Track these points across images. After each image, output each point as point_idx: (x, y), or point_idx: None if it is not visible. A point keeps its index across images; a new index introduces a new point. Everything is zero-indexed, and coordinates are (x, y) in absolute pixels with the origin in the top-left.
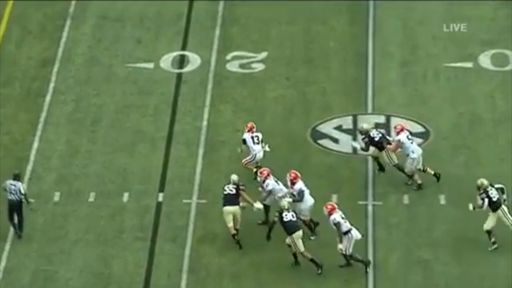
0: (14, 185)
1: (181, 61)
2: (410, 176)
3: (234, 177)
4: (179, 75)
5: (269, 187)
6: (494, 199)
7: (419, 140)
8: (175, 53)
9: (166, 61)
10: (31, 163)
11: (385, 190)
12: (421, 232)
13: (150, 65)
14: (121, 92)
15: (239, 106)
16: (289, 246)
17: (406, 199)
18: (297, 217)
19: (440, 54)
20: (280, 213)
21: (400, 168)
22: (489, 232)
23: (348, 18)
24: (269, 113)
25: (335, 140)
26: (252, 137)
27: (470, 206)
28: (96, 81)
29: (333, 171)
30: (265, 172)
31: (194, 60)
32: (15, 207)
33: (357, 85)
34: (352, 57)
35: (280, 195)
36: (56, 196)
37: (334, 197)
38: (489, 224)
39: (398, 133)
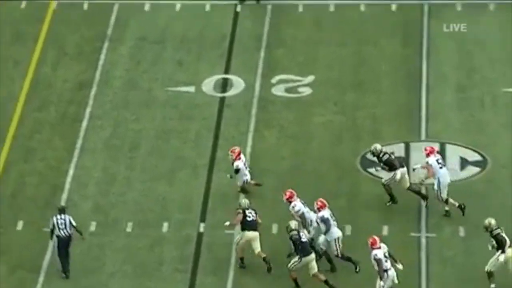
0: (63, 219)
1: (224, 85)
2: (445, 202)
3: (246, 201)
4: (222, 99)
5: (297, 208)
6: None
7: (476, 169)
8: (217, 76)
9: (208, 85)
10: (67, 191)
11: (439, 221)
12: (477, 266)
13: (192, 89)
14: (161, 117)
15: (285, 132)
16: (292, 270)
17: (461, 231)
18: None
19: (498, 78)
20: (298, 232)
21: (415, 191)
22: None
23: (400, 38)
24: (316, 140)
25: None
26: (244, 163)
27: (489, 247)
28: (135, 106)
29: (384, 201)
30: (288, 193)
31: (238, 83)
32: (65, 243)
33: (409, 110)
34: (404, 80)
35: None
36: (92, 226)
37: (385, 229)
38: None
39: (427, 155)
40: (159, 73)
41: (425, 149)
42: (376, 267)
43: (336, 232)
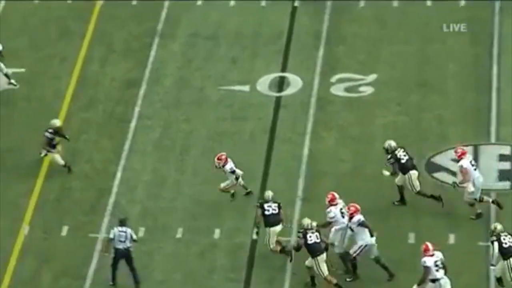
0: (124, 232)
1: (281, 84)
2: (471, 205)
3: (270, 193)
4: (278, 99)
5: (331, 214)
6: (506, 245)
7: None
8: (273, 75)
9: (264, 84)
10: (114, 194)
11: (510, 228)
12: None
13: (246, 88)
14: (213, 117)
15: (344, 134)
16: (309, 268)
17: None
18: (321, 239)
19: None
20: (304, 234)
21: (426, 195)
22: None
23: (469, 37)
24: (378, 142)
25: (453, 173)
26: (235, 165)
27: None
28: (186, 105)
29: (450, 208)
30: (330, 196)
31: (295, 82)
32: (124, 256)
33: (478, 112)
34: (473, 81)
35: (338, 227)
36: (141, 232)
37: (451, 237)
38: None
39: (459, 158)
40: (211, 71)
41: (456, 152)
42: (423, 274)
43: (369, 238)
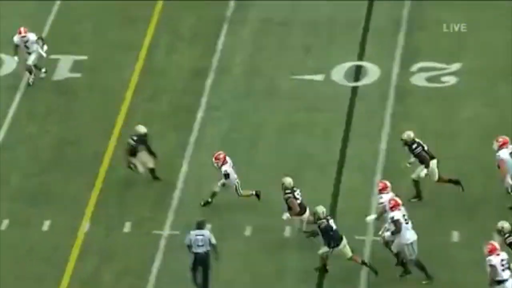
0: (202, 235)
1: (357, 73)
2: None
3: (289, 180)
4: (354, 90)
5: (382, 200)
6: None
7: None
8: (350, 64)
9: (339, 73)
10: (179, 190)
11: None
12: None
13: (320, 77)
14: (285, 108)
15: (425, 127)
16: (324, 258)
17: None
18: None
19: None
20: (328, 220)
21: (445, 180)
22: None
23: None
24: (462, 137)
25: None
26: (232, 167)
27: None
28: (256, 96)
29: None
30: (381, 185)
31: (373, 72)
32: (203, 261)
33: None
34: None
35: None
36: (207, 229)
37: None
38: None
39: (500, 147)
40: (284, 60)
41: (496, 140)
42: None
43: (409, 236)
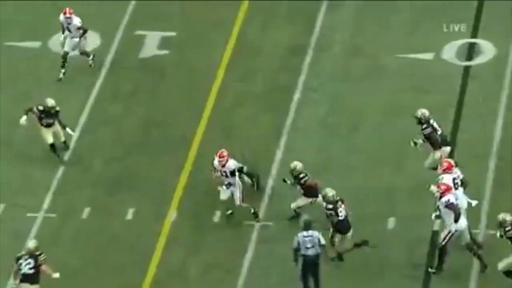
0: (311, 236)
1: (470, 51)
2: None
3: (299, 164)
4: (467, 69)
5: (444, 180)
6: None
7: None
8: (462, 41)
9: (450, 51)
10: (273, 177)
11: None
12: None
13: (429, 56)
14: (390, 89)
15: None
16: (333, 245)
17: None
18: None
19: None
20: (335, 210)
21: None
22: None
23: None
24: None
25: None
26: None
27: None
28: (358, 76)
29: None
30: (446, 164)
31: (487, 50)
32: (312, 264)
33: None
34: None
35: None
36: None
37: None
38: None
39: None
40: (388, 37)
41: None
42: None
43: (459, 224)
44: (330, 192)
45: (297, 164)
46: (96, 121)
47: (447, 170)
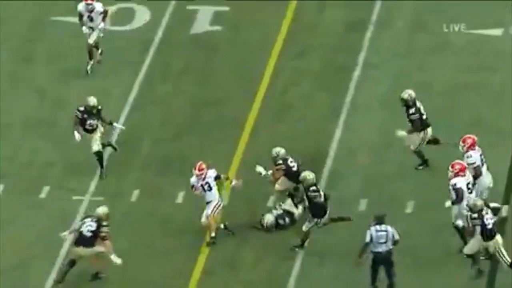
0: (384, 231)
1: None
2: None
3: (282, 150)
4: None
5: (471, 160)
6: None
7: None
8: None
9: None
10: (332, 159)
11: None
12: None
13: (498, 32)
14: (455, 67)
15: None
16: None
17: None
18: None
19: None
20: (318, 189)
21: (421, 154)
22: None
23: None
24: None
25: None
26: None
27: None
28: (421, 52)
29: None
30: (470, 141)
31: None
32: (383, 260)
33: None
34: None
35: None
36: (362, 204)
37: None
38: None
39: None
40: (455, 11)
41: None
42: None
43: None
44: (310, 175)
45: (280, 150)
46: (145, 101)
47: (472, 147)
